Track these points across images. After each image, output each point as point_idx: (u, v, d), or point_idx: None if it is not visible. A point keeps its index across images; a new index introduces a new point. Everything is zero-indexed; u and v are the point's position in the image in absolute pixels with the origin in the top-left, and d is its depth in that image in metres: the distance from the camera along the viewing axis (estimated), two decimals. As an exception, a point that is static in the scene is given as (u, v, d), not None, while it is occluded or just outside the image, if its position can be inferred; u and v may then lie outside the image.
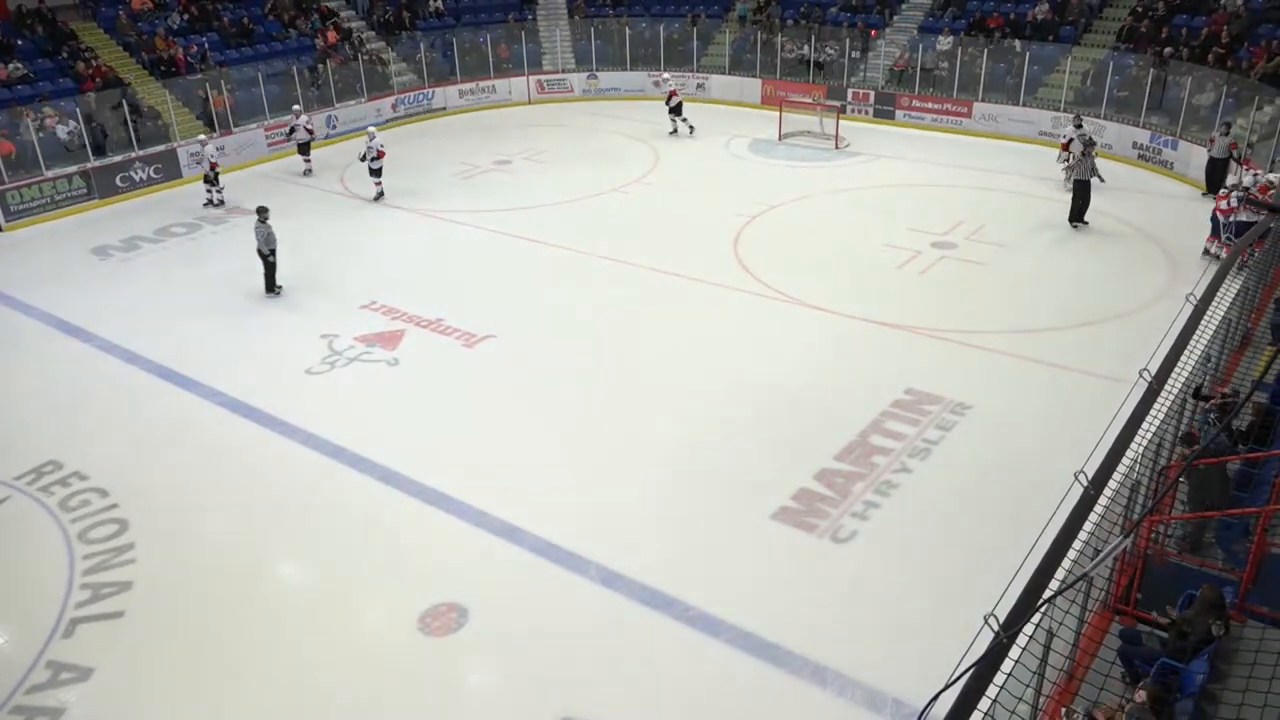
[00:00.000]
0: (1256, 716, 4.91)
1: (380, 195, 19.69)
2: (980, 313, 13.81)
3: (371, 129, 20.10)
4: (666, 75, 25.76)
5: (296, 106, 22.10)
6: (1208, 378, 8.92)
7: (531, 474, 10.44)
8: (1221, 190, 15.63)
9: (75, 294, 15.58)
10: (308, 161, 21.81)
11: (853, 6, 27.22)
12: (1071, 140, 18.66)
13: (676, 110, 23.75)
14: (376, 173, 19.61)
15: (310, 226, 18.32)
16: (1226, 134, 17.87)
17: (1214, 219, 15.28)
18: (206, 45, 24.37)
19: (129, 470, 10.71)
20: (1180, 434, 7.77)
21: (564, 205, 19.15)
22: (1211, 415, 8.21)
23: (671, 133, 23.80)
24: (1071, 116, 19.95)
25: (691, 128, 23.83)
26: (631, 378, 12.43)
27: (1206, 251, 15.29)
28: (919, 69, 24.56)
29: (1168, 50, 21.48)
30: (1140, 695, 5.40)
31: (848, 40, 25.70)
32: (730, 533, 9.36)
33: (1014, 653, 4.35)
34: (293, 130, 21.82)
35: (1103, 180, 17.40)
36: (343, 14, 27.78)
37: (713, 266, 15.65)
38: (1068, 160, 18.51)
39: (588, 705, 7.47)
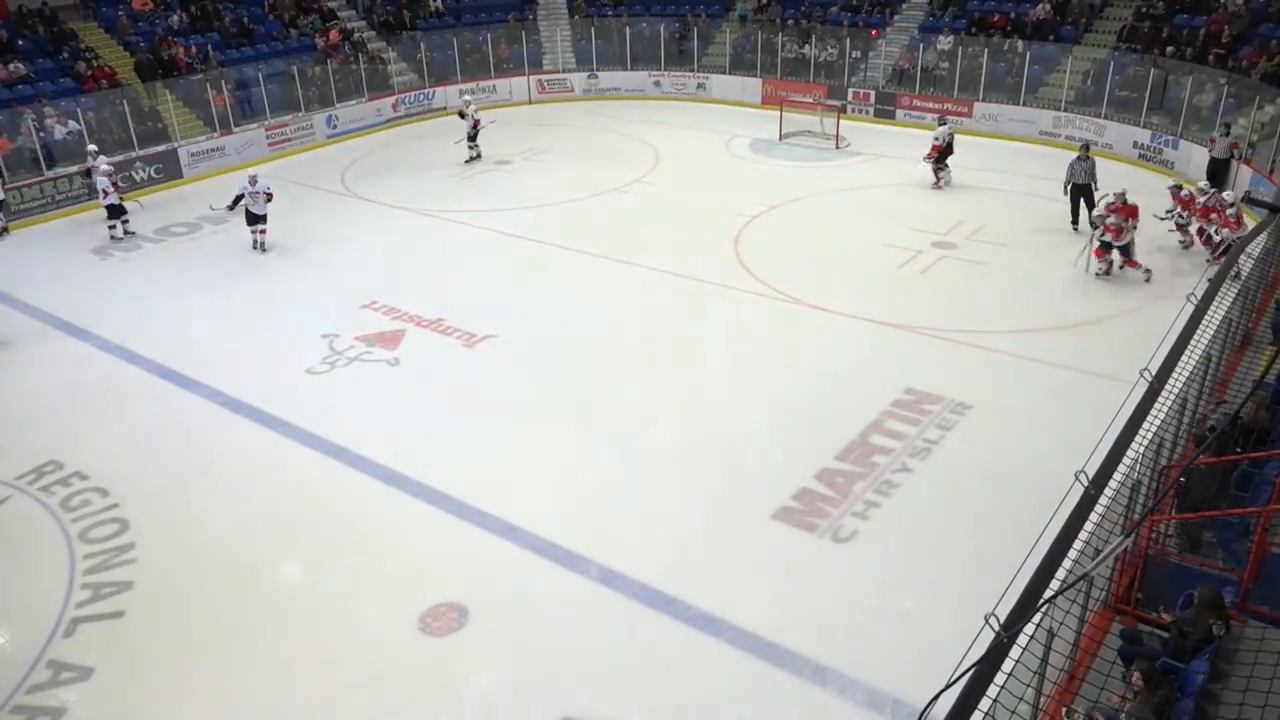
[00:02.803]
0: (1257, 716, 4.91)
1: (262, 246, 17.01)
2: (981, 312, 13.81)
3: (252, 173, 17.02)
4: (469, 98, 23.52)
5: (92, 148, 18.89)
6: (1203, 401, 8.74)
7: (532, 473, 10.44)
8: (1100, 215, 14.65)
9: (76, 294, 15.59)
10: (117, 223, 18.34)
11: (853, 6, 27.21)
12: (947, 142, 19.24)
13: (473, 137, 21.82)
14: (260, 219, 16.81)
15: (310, 226, 18.31)
16: (1227, 134, 17.87)
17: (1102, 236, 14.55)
18: (209, 45, 24.37)
19: (130, 470, 10.71)
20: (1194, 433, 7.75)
21: (564, 205, 19.15)
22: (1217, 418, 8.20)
23: (471, 158, 21.90)
24: (937, 117, 20.51)
25: (479, 155, 22.00)
26: (631, 377, 12.43)
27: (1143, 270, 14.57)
28: (919, 69, 24.56)
29: (1169, 50, 21.49)
30: (1135, 680, 5.40)
31: (848, 40, 25.70)
32: (730, 532, 9.36)
33: (1014, 652, 4.35)
34: (89, 173, 18.62)
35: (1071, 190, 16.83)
36: (343, 14, 27.79)
37: (713, 266, 15.65)
38: (934, 162, 19.26)
39: (588, 705, 7.46)
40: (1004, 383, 11.97)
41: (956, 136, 19.75)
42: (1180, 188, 15.62)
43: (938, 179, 19.47)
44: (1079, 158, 16.62)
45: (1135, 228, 14.47)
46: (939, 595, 8.38)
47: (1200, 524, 7.27)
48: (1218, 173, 17.94)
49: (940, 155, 19.33)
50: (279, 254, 16.96)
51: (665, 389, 12.10)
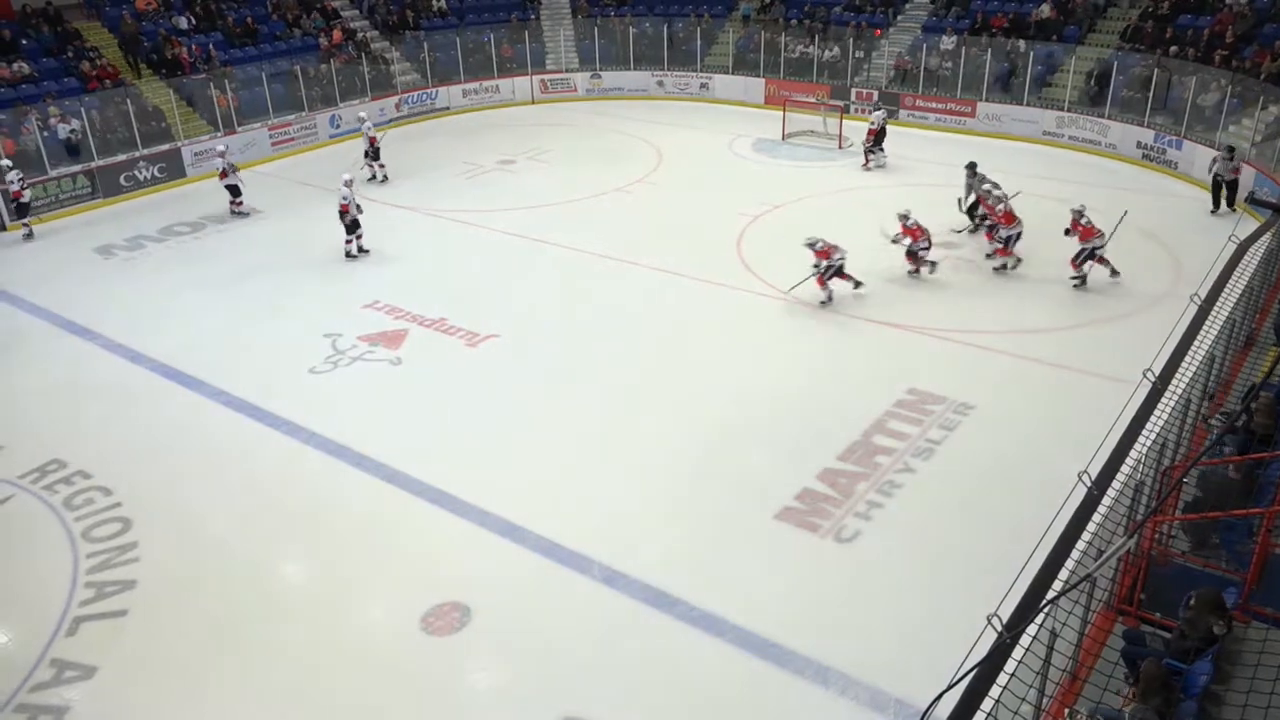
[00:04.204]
0: (1260, 718, 4.90)
1: (361, 249, 16.56)
2: (984, 312, 13.80)
3: (347, 176, 16.43)
4: (364, 114, 22.63)
5: (6, 162, 18.67)
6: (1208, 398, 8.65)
7: (534, 473, 10.44)
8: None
9: (79, 293, 15.61)
10: (26, 225, 18.44)
11: (856, 6, 27.19)
12: (881, 126, 20.56)
13: (374, 155, 20.73)
14: (357, 224, 16.36)
15: (313, 226, 18.29)
16: (1230, 159, 17.66)
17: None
18: (211, 46, 24.39)
19: (132, 469, 10.72)
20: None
21: (567, 205, 19.14)
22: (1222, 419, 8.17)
23: (370, 178, 20.60)
24: (874, 103, 22.89)
25: (385, 177, 20.82)
26: (634, 377, 12.43)
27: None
28: (923, 69, 24.54)
29: (1172, 50, 21.45)
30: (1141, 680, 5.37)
31: (851, 40, 25.69)
32: (733, 532, 9.36)
33: (1017, 653, 4.36)
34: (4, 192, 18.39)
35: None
36: (346, 13, 27.81)
37: (716, 266, 15.64)
38: (870, 146, 20.64)
39: (590, 705, 7.47)
40: (1006, 383, 11.95)
41: (959, 138, 19.89)
42: (908, 217, 14.91)
43: (867, 161, 20.68)
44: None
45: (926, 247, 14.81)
46: (941, 596, 8.38)
47: (1208, 525, 7.24)
48: (1229, 186, 17.84)
49: (875, 139, 20.62)
50: (281, 253, 16.97)
51: (668, 388, 12.09)
